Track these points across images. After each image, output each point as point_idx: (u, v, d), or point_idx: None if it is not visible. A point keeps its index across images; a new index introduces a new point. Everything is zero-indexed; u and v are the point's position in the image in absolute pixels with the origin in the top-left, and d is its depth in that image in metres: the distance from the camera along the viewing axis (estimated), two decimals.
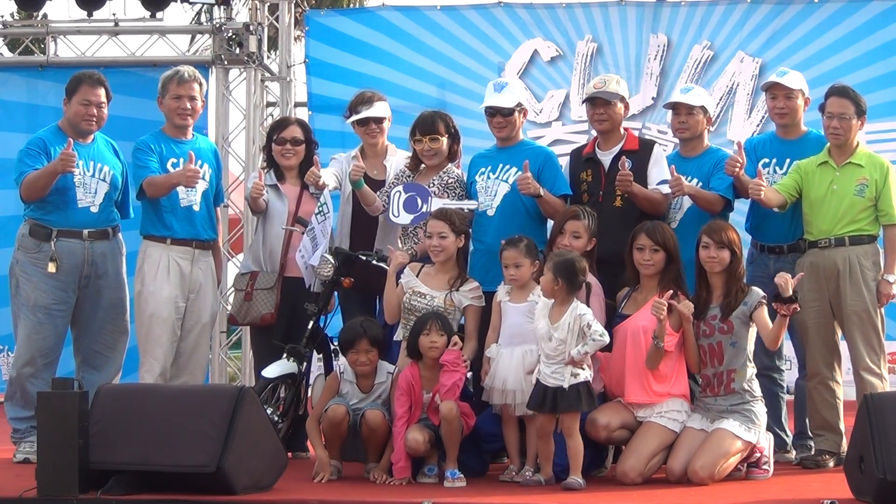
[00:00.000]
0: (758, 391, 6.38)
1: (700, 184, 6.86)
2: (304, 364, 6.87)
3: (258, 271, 7.23)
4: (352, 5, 19.84)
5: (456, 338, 6.30)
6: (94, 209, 7.13)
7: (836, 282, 6.73)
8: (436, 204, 6.82)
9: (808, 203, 6.83)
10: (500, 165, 6.97)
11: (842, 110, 6.75)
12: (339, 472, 6.40)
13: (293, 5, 10.55)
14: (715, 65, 9.81)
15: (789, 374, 7.44)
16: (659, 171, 6.84)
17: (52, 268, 6.98)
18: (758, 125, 9.63)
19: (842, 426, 6.76)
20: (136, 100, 9.25)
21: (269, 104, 10.68)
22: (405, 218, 6.88)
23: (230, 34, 10.22)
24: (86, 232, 7.10)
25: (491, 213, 6.93)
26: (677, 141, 7.28)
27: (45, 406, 5.84)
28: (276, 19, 10.46)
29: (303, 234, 7.02)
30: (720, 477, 6.17)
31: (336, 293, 7.05)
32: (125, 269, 7.36)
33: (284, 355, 6.77)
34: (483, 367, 6.44)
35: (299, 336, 6.87)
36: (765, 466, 6.39)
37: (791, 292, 6.03)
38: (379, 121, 7.32)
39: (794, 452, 7.02)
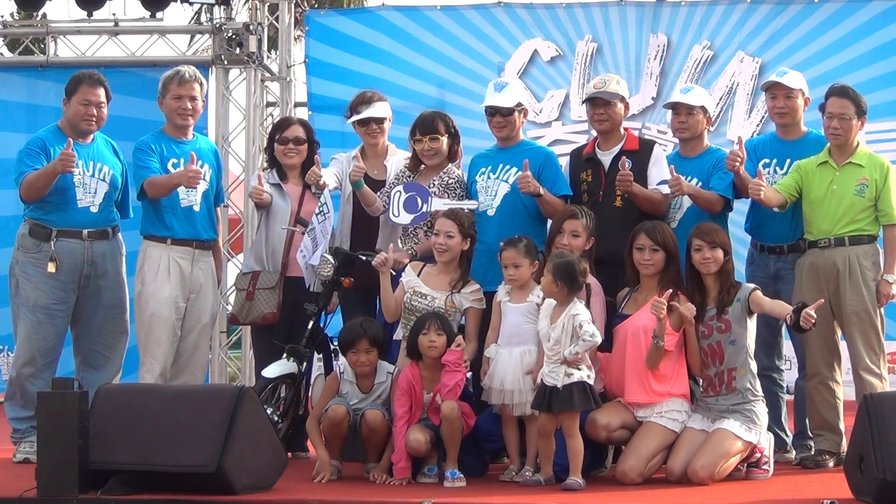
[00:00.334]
0: (759, 390, 6.38)
1: (700, 184, 6.86)
2: (305, 364, 6.86)
3: (260, 271, 7.23)
4: (352, 5, 19.82)
5: (460, 338, 6.30)
6: (94, 209, 7.13)
7: (835, 282, 6.73)
8: (436, 204, 6.82)
9: (808, 203, 6.83)
10: (501, 165, 6.97)
11: (842, 110, 6.75)
12: (339, 472, 6.40)
13: (293, 5, 10.55)
14: (715, 65, 9.81)
15: (789, 374, 7.44)
16: (659, 171, 6.83)
17: (51, 268, 6.98)
18: (758, 125, 9.63)
19: (842, 426, 6.76)
20: (136, 100, 9.26)
21: (269, 104, 10.68)
22: (405, 218, 6.87)
23: (230, 34, 10.23)
24: (85, 232, 7.10)
25: (491, 213, 6.93)
26: (677, 141, 7.28)
27: (45, 406, 5.84)
28: (276, 19, 10.47)
29: (303, 234, 7.02)
30: (720, 477, 6.17)
31: (336, 293, 7.05)
32: (125, 269, 7.36)
33: (284, 355, 6.77)
34: (482, 367, 6.44)
35: (300, 336, 6.87)
36: (765, 466, 6.39)
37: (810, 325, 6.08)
38: (380, 121, 7.32)
39: (794, 452, 7.02)
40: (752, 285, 6.44)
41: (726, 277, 6.40)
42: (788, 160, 6.98)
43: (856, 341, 6.73)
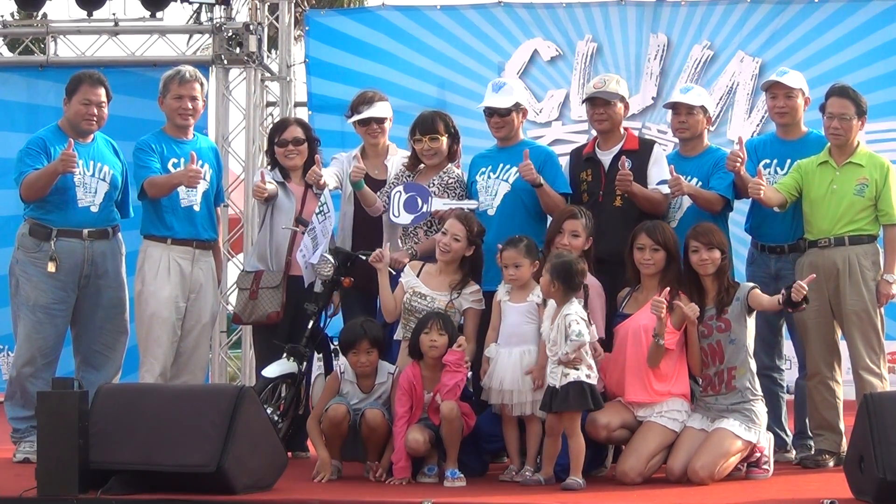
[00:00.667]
0: (758, 389, 6.38)
1: (700, 183, 6.86)
2: (305, 364, 6.86)
3: (262, 270, 7.22)
4: (352, 5, 19.83)
5: (461, 339, 6.30)
6: (94, 209, 7.13)
7: (835, 281, 6.73)
8: (436, 204, 6.83)
9: (808, 203, 6.83)
10: (501, 165, 6.97)
11: (842, 110, 6.75)
12: (339, 472, 6.40)
13: (293, 5, 10.55)
14: (715, 64, 9.81)
15: (789, 374, 7.44)
16: (659, 170, 6.84)
17: (51, 267, 6.98)
18: (758, 125, 9.63)
19: (842, 426, 6.76)
20: (136, 100, 9.26)
21: (269, 104, 10.69)
22: (405, 218, 6.87)
23: (230, 34, 10.22)
24: (86, 231, 7.10)
25: (491, 212, 6.93)
26: (677, 141, 7.29)
27: (45, 406, 5.84)
28: (276, 19, 10.47)
29: (303, 233, 7.02)
30: (720, 477, 6.17)
31: (337, 293, 7.05)
32: (125, 268, 7.36)
33: (284, 355, 6.77)
34: (482, 367, 6.44)
35: (302, 335, 6.87)
36: (765, 466, 6.39)
37: (801, 299, 6.06)
38: (380, 120, 7.32)
39: (794, 452, 7.02)
40: (751, 284, 6.45)
41: (723, 277, 6.40)
42: (789, 160, 6.98)
43: (856, 341, 6.73)
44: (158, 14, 10.33)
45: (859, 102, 6.79)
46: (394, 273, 6.72)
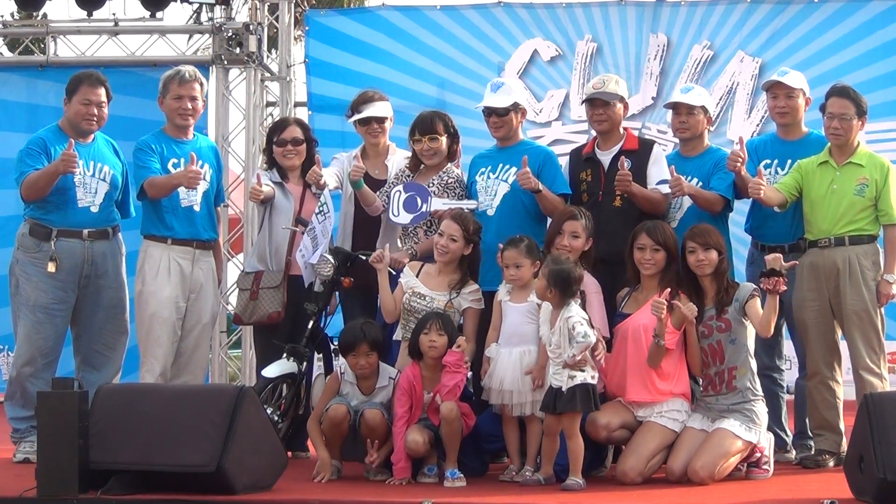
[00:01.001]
0: (759, 389, 6.38)
1: (700, 183, 6.86)
2: (305, 364, 6.86)
3: (263, 270, 7.22)
4: (352, 5, 19.82)
5: (461, 339, 6.30)
6: (95, 209, 7.13)
7: (835, 281, 6.73)
8: (435, 204, 6.83)
9: (808, 202, 6.83)
10: (500, 165, 6.97)
11: (842, 110, 6.75)
12: (339, 472, 6.40)
13: (293, 5, 10.55)
14: (715, 65, 9.82)
15: (789, 374, 7.44)
16: (658, 170, 6.84)
17: (51, 267, 6.98)
18: (758, 125, 9.64)
19: (842, 426, 6.76)
20: (136, 100, 9.26)
21: (269, 104, 10.69)
22: (405, 218, 6.88)
23: (230, 34, 10.23)
24: (86, 231, 7.10)
25: (491, 212, 6.93)
26: (677, 141, 7.29)
27: (45, 406, 5.84)
28: (276, 19, 10.47)
29: (303, 233, 7.02)
30: (720, 477, 6.17)
31: (337, 293, 7.05)
32: (125, 268, 7.36)
33: (284, 355, 6.77)
34: (482, 367, 6.44)
35: (303, 335, 6.87)
36: (765, 466, 6.39)
37: (778, 267, 6.05)
38: (381, 120, 7.33)
39: (794, 452, 7.02)
40: (752, 285, 6.44)
41: (722, 277, 6.40)
42: (789, 161, 6.97)
43: (856, 341, 6.73)
44: (158, 14, 10.33)
45: (859, 102, 6.79)
46: (394, 273, 6.72)
